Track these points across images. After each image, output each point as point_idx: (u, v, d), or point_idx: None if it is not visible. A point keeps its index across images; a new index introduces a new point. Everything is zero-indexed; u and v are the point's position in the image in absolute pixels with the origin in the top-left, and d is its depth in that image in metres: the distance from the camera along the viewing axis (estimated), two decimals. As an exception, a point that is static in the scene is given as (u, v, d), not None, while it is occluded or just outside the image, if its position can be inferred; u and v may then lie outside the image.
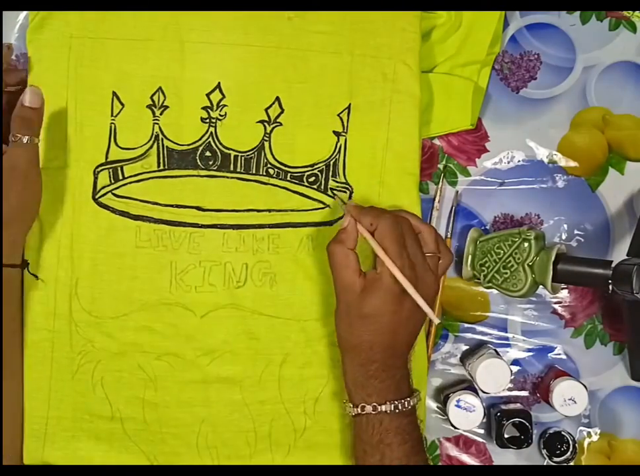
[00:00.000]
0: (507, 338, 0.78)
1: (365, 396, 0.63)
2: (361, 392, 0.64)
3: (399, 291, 0.62)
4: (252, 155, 0.72)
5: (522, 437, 0.74)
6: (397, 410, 0.62)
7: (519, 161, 0.78)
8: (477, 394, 0.74)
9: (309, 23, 0.72)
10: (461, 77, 0.76)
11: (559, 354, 0.78)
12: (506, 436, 0.74)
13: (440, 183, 0.77)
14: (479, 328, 0.78)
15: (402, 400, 0.63)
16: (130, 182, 0.71)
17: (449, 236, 0.77)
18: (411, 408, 0.64)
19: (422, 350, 0.74)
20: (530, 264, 0.72)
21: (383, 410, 0.62)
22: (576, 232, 0.78)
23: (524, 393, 0.78)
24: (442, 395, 0.77)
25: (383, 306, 0.62)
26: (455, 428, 0.74)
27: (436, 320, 0.63)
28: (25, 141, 0.66)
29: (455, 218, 0.77)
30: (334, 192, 0.72)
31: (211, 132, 0.71)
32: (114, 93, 0.71)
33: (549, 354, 0.78)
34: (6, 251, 0.66)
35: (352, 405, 0.64)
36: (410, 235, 0.63)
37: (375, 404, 0.62)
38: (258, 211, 0.72)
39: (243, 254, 0.72)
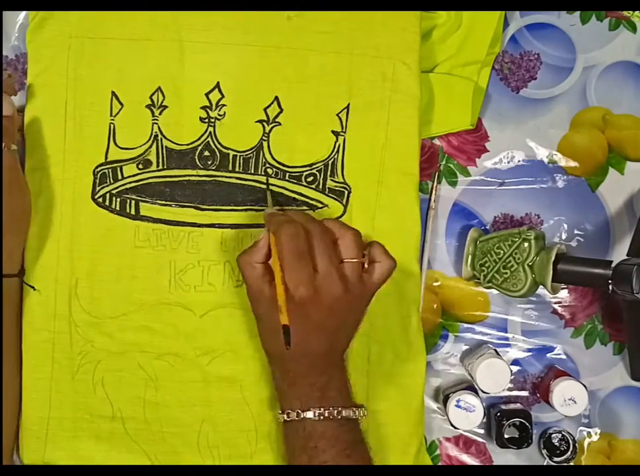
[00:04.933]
0: (507, 338, 0.78)
1: (290, 403, 0.63)
2: (285, 399, 0.64)
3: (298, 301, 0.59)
4: (251, 154, 0.72)
5: (522, 437, 0.74)
6: (322, 417, 0.61)
7: (519, 161, 0.78)
8: (477, 394, 0.74)
9: (309, 23, 0.72)
10: (461, 77, 0.76)
11: (559, 354, 0.78)
12: (506, 436, 0.74)
13: (434, 182, 0.77)
14: (479, 328, 0.78)
15: (331, 409, 0.62)
16: (129, 182, 0.71)
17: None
18: (341, 418, 0.62)
19: (420, 349, 0.74)
20: (530, 264, 0.72)
21: (307, 416, 0.62)
22: (576, 232, 0.78)
23: (524, 393, 0.78)
24: (442, 395, 0.76)
25: None
26: (455, 428, 0.74)
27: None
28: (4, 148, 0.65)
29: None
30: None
31: (210, 132, 0.71)
32: (113, 93, 0.71)
33: (549, 354, 0.78)
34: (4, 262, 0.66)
35: (280, 411, 0.64)
36: (319, 243, 0.60)
37: (298, 410, 0.62)
38: (256, 210, 0.72)
39: (241, 254, 0.72)
